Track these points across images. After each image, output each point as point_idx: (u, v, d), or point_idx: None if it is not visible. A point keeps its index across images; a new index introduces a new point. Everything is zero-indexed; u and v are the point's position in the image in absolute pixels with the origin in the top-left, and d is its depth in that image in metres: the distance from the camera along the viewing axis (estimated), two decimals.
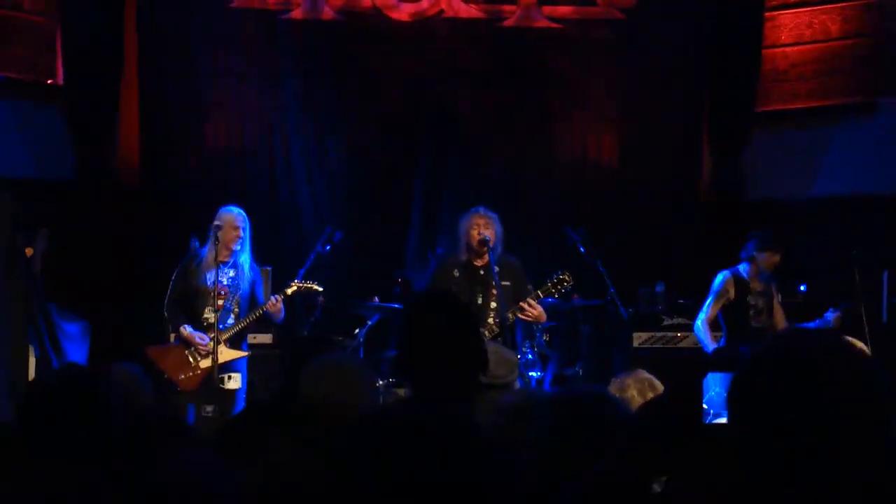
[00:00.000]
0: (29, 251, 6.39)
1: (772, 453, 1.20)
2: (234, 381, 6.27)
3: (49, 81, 8.24)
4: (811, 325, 6.75)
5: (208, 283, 6.23)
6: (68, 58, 8.21)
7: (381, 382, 6.93)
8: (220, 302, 6.24)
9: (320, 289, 6.48)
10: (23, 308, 5.85)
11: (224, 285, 6.28)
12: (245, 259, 6.31)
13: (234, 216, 6.31)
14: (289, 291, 6.36)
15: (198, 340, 6.20)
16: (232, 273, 6.30)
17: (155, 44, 8.50)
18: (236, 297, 6.26)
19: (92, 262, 7.97)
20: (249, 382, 6.49)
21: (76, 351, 7.01)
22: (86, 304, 7.48)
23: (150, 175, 8.53)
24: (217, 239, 6.26)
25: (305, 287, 6.41)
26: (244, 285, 6.28)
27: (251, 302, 6.34)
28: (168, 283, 6.40)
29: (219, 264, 6.25)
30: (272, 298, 6.30)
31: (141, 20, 8.47)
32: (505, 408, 3.26)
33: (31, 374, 5.93)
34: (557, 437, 2.16)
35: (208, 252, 6.30)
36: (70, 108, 8.21)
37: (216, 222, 6.28)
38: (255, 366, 7.19)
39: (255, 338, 7.47)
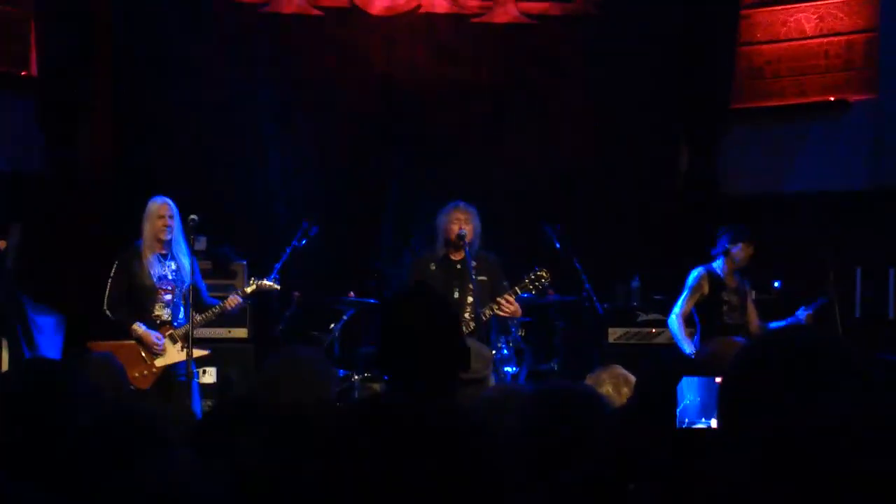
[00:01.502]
0: (2, 244, 6.33)
1: (763, 454, 1.20)
2: (209, 376, 6.23)
3: (23, 73, 8.16)
4: (782, 323, 6.78)
5: (154, 278, 6.14)
6: (42, 49, 8.13)
7: (356, 377, 6.92)
8: (169, 297, 6.16)
9: (278, 287, 6.43)
10: None
11: (170, 280, 6.19)
12: (181, 249, 6.20)
13: (158, 205, 6.22)
14: (248, 290, 6.30)
15: (154, 340, 6.07)
16: (174, 265, 6.21)
17: (130, 36, 8.42)
18: (184, 291, 6.13)
19: (66, 255, 7.89)
20: (222, 377, 6.44)
21: (50, 344, 6.96)
22: (59, 297, 7.42)
23: (123, 169, 8.45)
24: (146, 231, 6.19)
25: (266, 286, 6.34)
26: (188, 278, 6.12)
27: (195, 293, 6.21)
28: None
29: (156, 256, 6.15)
30: (231, 296, 6.25)
31: (115, 12, 8.40)
32: (483, 403, 3.27)
33: (4, 368, 5.88)
34: (539, 433, 2.15)
35: (143, 246, 6.20)
36: (41, 100, 8.12)
37: (144, 215, 6.21)
38: (230, 361, 7.17)
39: (229, 332, 7.43)
